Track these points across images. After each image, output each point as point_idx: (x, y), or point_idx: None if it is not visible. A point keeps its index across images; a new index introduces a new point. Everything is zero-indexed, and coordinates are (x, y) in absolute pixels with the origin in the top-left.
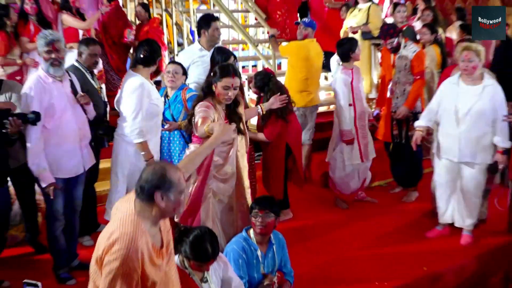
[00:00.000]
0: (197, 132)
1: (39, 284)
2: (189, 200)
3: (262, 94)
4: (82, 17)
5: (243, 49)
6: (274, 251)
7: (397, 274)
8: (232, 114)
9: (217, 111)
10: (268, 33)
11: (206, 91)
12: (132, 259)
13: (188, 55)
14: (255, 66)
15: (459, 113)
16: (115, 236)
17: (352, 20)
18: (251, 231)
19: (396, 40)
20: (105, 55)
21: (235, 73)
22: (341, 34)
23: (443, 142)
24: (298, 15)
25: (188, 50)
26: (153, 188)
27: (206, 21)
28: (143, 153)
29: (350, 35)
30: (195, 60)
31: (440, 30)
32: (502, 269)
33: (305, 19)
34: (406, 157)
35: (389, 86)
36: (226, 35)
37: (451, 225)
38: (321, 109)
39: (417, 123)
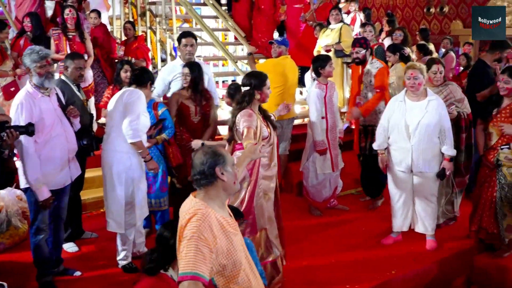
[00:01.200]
0: (243, 141)
1: (5, 284)
2: (246, 202)
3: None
4: (82, 35)
5: (223, 65)
6: None
7: (367, 277)
8: (266, 115)
9: (258, 116)
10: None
11: (249, 101)
12: (205, 229)
13: (170, 70)
14: (234, 81)
15: (409, 128)
16: (189, 216)
17: (325, 40)
18: None
19: (363, 51)
20: (100, 68)
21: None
22: (315, 53)
23: (396, 155)
24: (277, 34)
25: (171, 65)
26: (212, 166)
27: (178, 38)
28: (140, 151)
29: (324, 53)
30: (177, 76)
31: (408, 49)
32: (465, 272)
33: (278, 38)
34: (372, 167)
35: (357, 100)
36: (208, 51)
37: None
38: (297, 121)
39: (376, 146)
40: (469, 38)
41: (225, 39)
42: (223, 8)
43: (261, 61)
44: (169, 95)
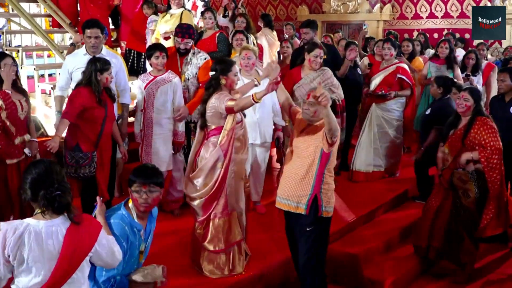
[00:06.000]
0: (236, 108)
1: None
2: (218, 182)
3: None
4: None
5: (49, 56)
6: (151, 225)
7: None
8: None
9: None
10: None
11: (215, 86)
12: None
13: (73, 60)
14: None
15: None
16: None
17: (164, 26)
18: (131, 205)
19: (192, 43)
20: None
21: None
22: (153, 40)
23: None
24: (110, 20)
25: (74, 54)
26: None
27: (83, 27)
28: None
29: (162, 41)
30: (81, 66)
31: (252, 37)
32: None
33: None
34: None
35: None
36: (29, 40)
37: None
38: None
39: None
40: None
41: (50, 26)
42: None
43: None
44: (72, 86)
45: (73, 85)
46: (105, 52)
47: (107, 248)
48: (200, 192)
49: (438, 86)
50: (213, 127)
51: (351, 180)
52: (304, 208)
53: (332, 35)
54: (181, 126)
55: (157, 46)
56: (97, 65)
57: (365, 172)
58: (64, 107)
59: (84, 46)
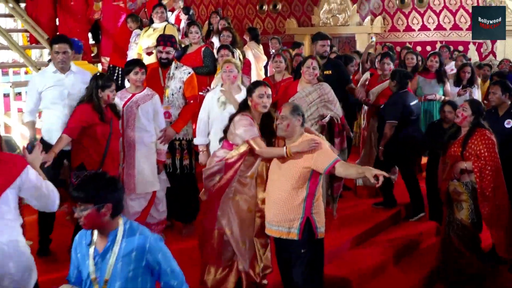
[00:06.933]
0: (260, 154)
1: None
2: (210, 195)
3: None
4: None
5: (26, 73)
6: (114, 253)
7: None
8: (266, 119)
9: (255, 122)
10: None
11: (243, 107)
12: None
13: (42, 79)
14: None
15: None
16: None
17: (147, 41)
18: None
19: (174, 53)
20: None
21: (265, 84)
22: (135, 55)
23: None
24: (90, 35)
25: (43, 73)
26: None
27: (50, 43)
28: None
29: (145, 56)
30: (51, 84)
31: (238, 51)
32: None
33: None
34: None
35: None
36: (6, 57)
37: None
38: None
39: (198, 142)
40: (304, 37)
41: (28, 41)
42: (22, 5)
43: None
44: (41, 106)
45: (41, 106)
46: (74, 68)
47: (34, 184)
48: (202, 195)
49: (392, 80)
50: (231, 141)
51: (356, 195)
52: (297, 233)
53: (290, 50)
54: (164, 145)
55: (137, 62)
56: (98, 82)
57: (368, 186)
58: (36, 133)
59: (51, 63)
